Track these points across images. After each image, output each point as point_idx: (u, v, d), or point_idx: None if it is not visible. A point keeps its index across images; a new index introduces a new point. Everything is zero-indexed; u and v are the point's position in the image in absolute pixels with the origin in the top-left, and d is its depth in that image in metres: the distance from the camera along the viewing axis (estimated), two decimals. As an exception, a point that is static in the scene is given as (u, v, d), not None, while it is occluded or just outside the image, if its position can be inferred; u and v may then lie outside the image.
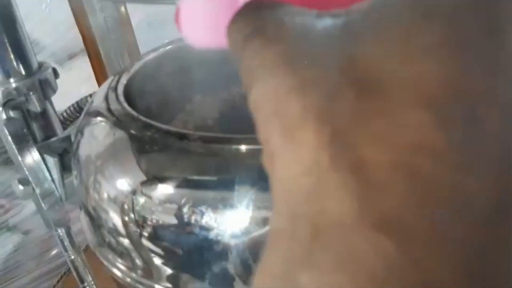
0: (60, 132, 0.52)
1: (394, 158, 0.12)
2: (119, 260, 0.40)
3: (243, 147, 0.34)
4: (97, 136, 0.41)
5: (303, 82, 0.13)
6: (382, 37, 0.13)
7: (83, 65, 0.86)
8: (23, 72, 0.48)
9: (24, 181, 0.48)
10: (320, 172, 0.12)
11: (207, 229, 0.33)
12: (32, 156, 0.48)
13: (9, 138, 0.47)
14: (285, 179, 0.13)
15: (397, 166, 0.11)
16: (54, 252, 0.93)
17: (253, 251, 0.33)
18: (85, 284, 0.53)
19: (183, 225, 0.34)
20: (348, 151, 0.12)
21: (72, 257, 0.52)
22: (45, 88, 0.50)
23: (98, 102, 0.44)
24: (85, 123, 0.44)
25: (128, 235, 0.37)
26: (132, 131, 0.38)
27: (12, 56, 0.48)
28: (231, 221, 0.33)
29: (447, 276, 0.11)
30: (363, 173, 0.12)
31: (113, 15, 0.78)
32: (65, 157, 0.49)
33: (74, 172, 0.44)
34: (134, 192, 0.36)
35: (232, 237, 0.33)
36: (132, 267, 0.39)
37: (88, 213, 0.41)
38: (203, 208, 0.33)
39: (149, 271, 0.38)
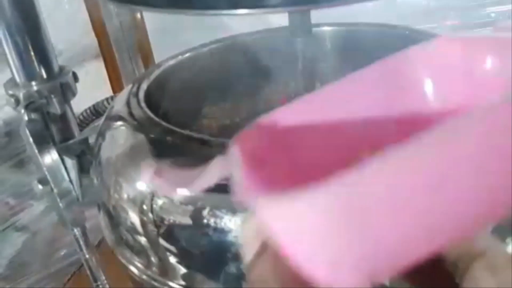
0: (78, 134, 0.53)
1: None
2: (136, 258, 0.41)
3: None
4: (119, 139, 0.43)
5: None
6: None
7: (98, 70, 0.87)
8: (45, 76, 0.49)
9: (43, 181, 0.49)
10: None
11: (224, 231, 0.35)
12: (52, 157, 0.49)
13: (30, 139, 0.48)
14: None
15: None
16: (62, 253, 0.94)
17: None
18: (98, 283, 0.54)
19: (200, 227, 0.35)
20: None
21: (87, 256, 0.53)
22: (66, 91, 0.51)
23: (119, 107, 0.45)
24: (106, 127, 0.45)
25: (146, 234, 0.38)
26: (153, 135, 0.40)
27: (34, 60, 0.49)
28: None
29: None
30: None
31: (129, 21, 0.80)
32: (83, 158, 0.50)
33: (95, 174, 0.45)
34: (153, 194, 0.37)
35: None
36: (149, 265, 0.40)
37: (107, 212, 0.42)
38: (220, 211, 0.35)
39: (165, 270, 0.39)
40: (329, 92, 0.21)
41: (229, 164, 0.18)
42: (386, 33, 0.56)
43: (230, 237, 0.34)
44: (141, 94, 0.46)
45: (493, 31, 0.21)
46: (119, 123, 0.43)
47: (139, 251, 0.40)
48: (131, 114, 0.43)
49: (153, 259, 0.39)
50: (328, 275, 0.15)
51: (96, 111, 0.63)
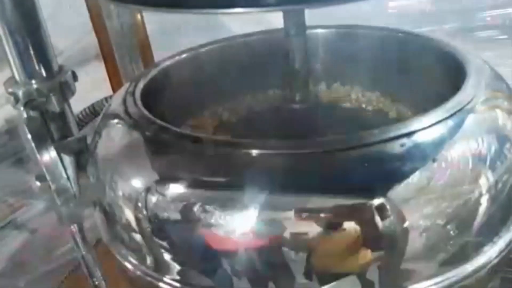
0: (76, 133, 0.54)
1: None
2: (131, 254, 0.42)
3: (253, 151, 0.36)
4: (114, 137, 0.44)
5: None
6: None
7: (98, 70, 0.88)
8: (44, 74, 0.50)
9: (41, 178, 0.50)
10: None
11: (216, 227, 0.35)
12: (50, 154, 0.50)
13: (29, 136, 0.48)
14: None
15: None
16: (60, 251, 0.94)
17: (261, 250, 0.35)
18: (95, 279, 0.55)
19: (193, 223, 0.36)
20: None
21: (84, 252, 0.54)
22: (65, 90, 0.51)
23: (116, 105, 0.46)
24: (103, 125, 0.46)
25: (141, 231, 0.39)
26: (148, 133, 0.41)
27: (34, 58, 0.50)
28: (239, 220, 0.35)
29: None
30: None
31: (130, 21, 0.81)
32: (81, 156, 0.51)
33: (91, 171, 0.46)
34: (147, 191, 0.38)
35: (239, 236, 0.35)
36: (143, 261, 0.41)
37: (103, 209, 0.43)
38: (212, 208, 0.35)
39: (159, 265, 0.40)
40: None
41: None
42: (383, 36, 0.57)
43: (222, 233, 0.35)
44: (138, 93, 0.47)
45: None
46: (115, 121, 0.44)
47: (134, 247, 0.41)
48: (127, 112, 0.44)
49: (147, 255, 0.40)
50: None
51: (95, 110, 0.64)
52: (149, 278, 0.41)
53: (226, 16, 0.94)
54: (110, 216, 0.42)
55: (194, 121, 0.55)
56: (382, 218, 0.34)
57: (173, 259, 0.38)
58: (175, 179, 0.37)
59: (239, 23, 0.88)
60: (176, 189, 0.37)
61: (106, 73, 0.86)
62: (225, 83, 0.55)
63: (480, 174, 0.36)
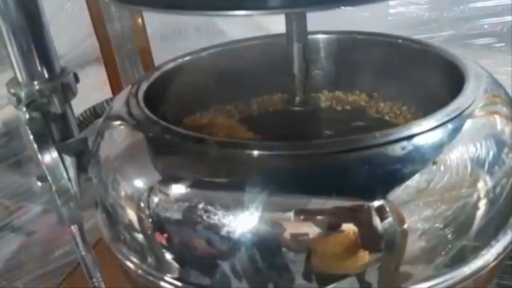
0: (77, 134, 0.54)
1: None
2: (132, 253, 0.42)
3: (255, 152, 0.36)
4: (117, 138, 0.44)
5: None
6: None
7: (98, 72, 0.88)
8: (47, 76, 0.50)
9: (42, 178, 0.50)
10: None
11: (217, 227, 0.36)
12: (51, 155, 0.50)
13: (31, 136, 0.49)
14: None
15: None
16: (57, 253, 0.94)
17: (261, 250, 0.35)
18: (94, 280, 0.55)
19: (195, 223, 0.36)
20: None
21: (83, 253, 0.54)
22: (67, 92, 0.51)
23: (118, 107, 0.46)
24: (105, 127, 0.46)
25: (143, 230, 0.39)
26: (151, 134, 0.41)
27: (37, 59, 0.50)
28: (240, 221, 0.35)
29: None
30: None
31: (130, 25, 0.81)
32: (81, 157, 0.51)
33: (93, 172, 0.46)
34: (150, 191, 0.38)
35: (241, 236, 0.35)
36: (144, 260, 0.41)
37: (105, 209, 0.43)
38: (214, 208, 0.36)
39: (160, 265, 0.40)
40: None
41: None
42: (383, 42, 0.57)
43: (224, 234, 0.35)
44: (141, 95, 0.47)
45: None
46: (118, 122, 0.45)
47: (136, 247, 0.41)
48: (130, 113, 0.44)
49: (149, 254, 0.40)
50: None
51: (95, 112, 0.64)
52: (150, 278, 0.41)
53: (225, 22, 0.95)
54: (112, 216, 0.43)
55: (194, 122, 0.56)
56: (382, 220, 0.34)
57: (175, 259, 0.39)
58: (177, 179, 0.38)
59: (237, 27, 0.88)
60: (178, 189, 0.37)
61: (107, 76, 0.86)
62: (226, 85, 0.56)
63: (478, 178, 0.37)
